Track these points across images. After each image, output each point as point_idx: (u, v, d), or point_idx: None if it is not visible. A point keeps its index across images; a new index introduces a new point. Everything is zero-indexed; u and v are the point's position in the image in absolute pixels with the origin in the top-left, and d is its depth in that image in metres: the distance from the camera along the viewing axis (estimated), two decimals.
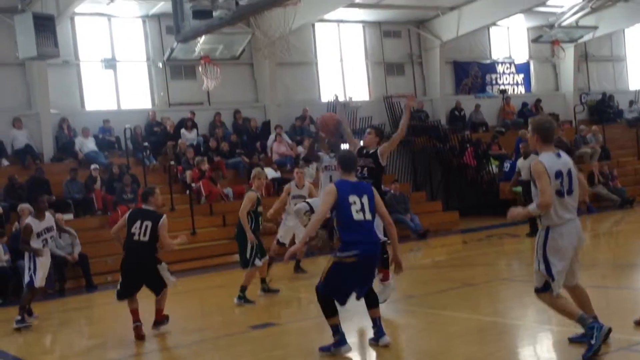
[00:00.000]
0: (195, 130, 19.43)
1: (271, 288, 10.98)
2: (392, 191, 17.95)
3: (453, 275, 11.85)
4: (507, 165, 20.07)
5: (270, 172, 18.41)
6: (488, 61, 25.65)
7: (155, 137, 18.91)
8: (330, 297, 6.84)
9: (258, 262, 10.27)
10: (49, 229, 10.54)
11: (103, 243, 14.45)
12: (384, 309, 9.24)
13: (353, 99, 22.41)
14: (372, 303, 7.07)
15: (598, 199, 19.86)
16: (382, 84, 23.47)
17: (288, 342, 8.08)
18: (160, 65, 19.77)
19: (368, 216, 6.70)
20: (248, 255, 10.20)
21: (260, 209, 10.46)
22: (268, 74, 20.81)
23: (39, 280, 10.31)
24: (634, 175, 22.53)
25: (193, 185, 17.11)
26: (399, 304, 9.34)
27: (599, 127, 23.75)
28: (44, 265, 10.42)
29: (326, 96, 22.20)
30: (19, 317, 10.11)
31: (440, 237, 17.07)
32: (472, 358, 6.65)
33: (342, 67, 23.09)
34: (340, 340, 6.84)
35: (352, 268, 6.68)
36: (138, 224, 8.62)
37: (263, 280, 10.96)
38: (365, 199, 6.69)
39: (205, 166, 17.51)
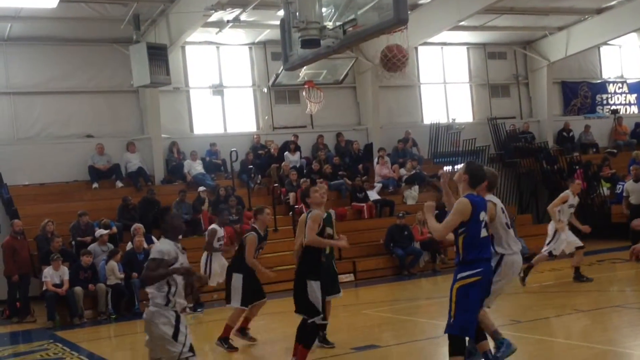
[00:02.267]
0: (298, 153, 19.74)
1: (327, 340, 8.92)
2: None
3: (563, 301, 11.44)
4: (619, 187, 19.23)
5: (372, 195, 18.46)
6: (598, 81, 24.79)
7: (259, 159, 19.34)
8: (464, 334, 6.26)
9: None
10: (221, 238, 13.15)
11: None
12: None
13: (456, 121, 22.17)
14: (482, 335, 6.72)
15: None
16: (487, 106, 23.12)
17: None
18: (265, 90, 20.26)
19: (487, 232, 6.37)
20: None
21: (328, 231, 8.06)
22: (371, 97, 20.92)
23: (211, 280, 12.67)
24: None
25: (296, 206, 17.35)
26: (506, 330, 9.07)
27: None
28: (215, 268, 12.75)
29: (429, 119, 22.08)
30: (191, 305, 12.41)
31: (547, 261, 16.47)
32: None
33: (445, 89, 22.92)
34: None
35: (476, 289, 6.19)
36: None
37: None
38: (484, 215, 6.33)
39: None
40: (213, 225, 13.39)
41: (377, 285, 15.16)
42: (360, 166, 20.00)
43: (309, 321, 7.43)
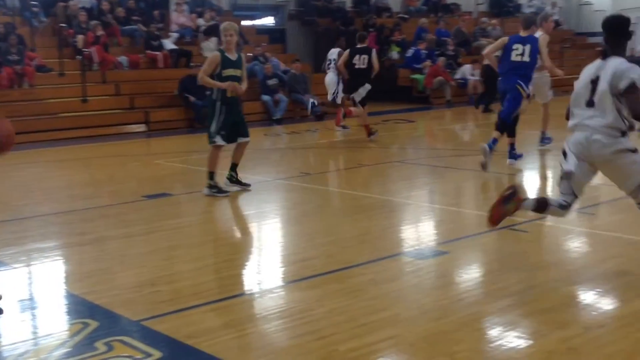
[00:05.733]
0: None
1: (241, 181, 8.68)
2: (292, 70, 17.79)
3: (348, 156, 12.07)
4: (410, 52, 20.35)
5: (168, 44, 17.80)
6: None
7: None
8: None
9: (219, 140, 8.25)
10: None
11: None
12: (278, 186, 9.33)
13: None
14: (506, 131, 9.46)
15: None
16: None
17: (181, 211, 8.07)
18: None
19: (526, 58, 9.15)
20: (212, 128, 8.21)
21: (230, 72, 8.08)
22: None
23: None
24: None
25: (85, 50, 16.29)
26: (294, 181, 9.44)
27: (498, 21, 24.02)
28: None
29: None
30: None
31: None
32: (363, 233, 6.84)
33: None
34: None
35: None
36: None
37: (233, 167, 8.69)
38: (527, 47, 9.13)
39: (100, 32, 16.65)
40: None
41: (169, 137, 14.96)
42: (156, 12, 19.02)
43: None
